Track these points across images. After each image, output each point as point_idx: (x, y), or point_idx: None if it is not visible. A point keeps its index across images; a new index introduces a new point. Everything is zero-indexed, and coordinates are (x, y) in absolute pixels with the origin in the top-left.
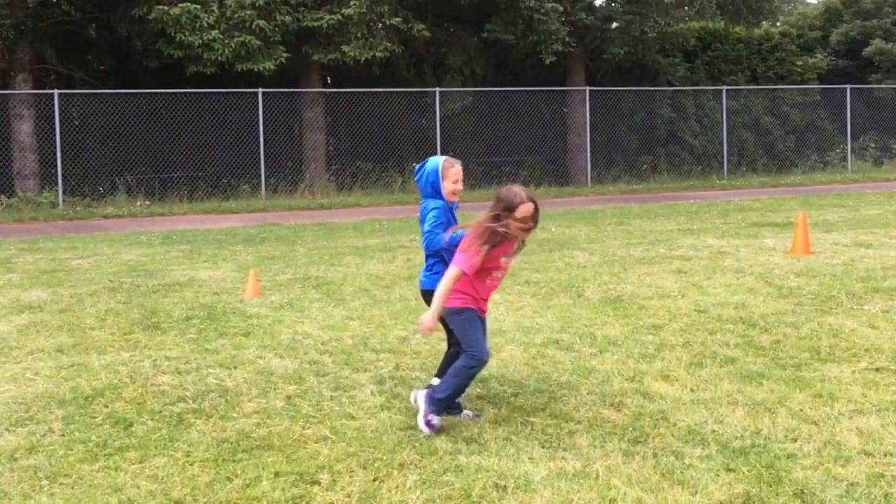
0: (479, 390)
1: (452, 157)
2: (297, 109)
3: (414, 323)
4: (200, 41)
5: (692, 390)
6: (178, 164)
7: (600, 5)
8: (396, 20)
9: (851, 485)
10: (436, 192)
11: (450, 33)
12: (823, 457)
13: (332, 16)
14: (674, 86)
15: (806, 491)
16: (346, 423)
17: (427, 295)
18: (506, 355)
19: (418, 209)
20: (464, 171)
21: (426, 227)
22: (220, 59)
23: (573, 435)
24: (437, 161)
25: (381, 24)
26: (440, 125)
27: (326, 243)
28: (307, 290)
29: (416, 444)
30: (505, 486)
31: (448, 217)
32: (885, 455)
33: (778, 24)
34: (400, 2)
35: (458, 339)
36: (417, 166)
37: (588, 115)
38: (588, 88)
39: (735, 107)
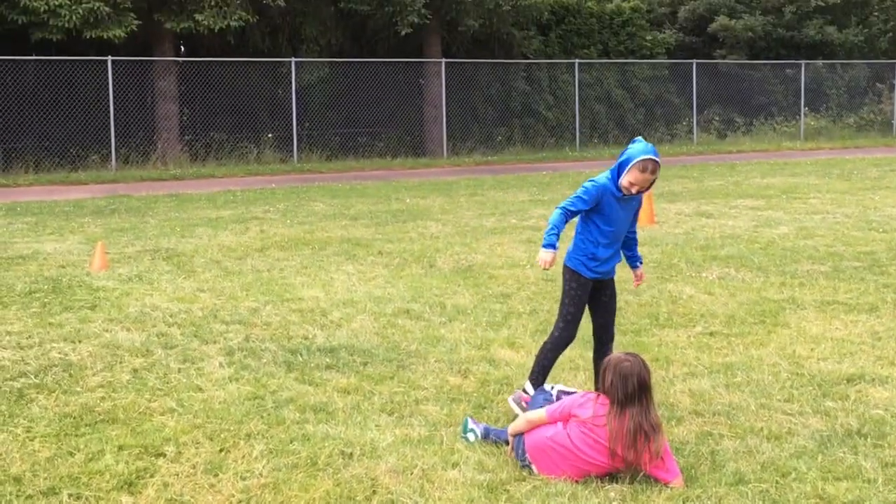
0: (327, 360)
1: (644, 162)
2: (149, 79)
3: None
4: (46, 7)
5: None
6: (23, 133)
7: None
8: None
9: (682, 443)
10: (615, 173)
11: (306, 3)
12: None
13: None
14: (528, 59)
15: None
16: (194, 395)
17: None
18: (356, 325)
19: (272, 180)
20: (320, 142)
21: (567, 199)
22: (67, 25)
23: (420, 402)
24: (639, 150)
25: None
26: (296, 96)
27: (178, 215)
28: (157, 263)
29: (264, 415)
30: (351, 454)
31: (601, 198)
32: (714, 415)
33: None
34: None
35: None
36: (633, 140)
37: (444, 87)
38: (444, 60)
39: (588, 80)
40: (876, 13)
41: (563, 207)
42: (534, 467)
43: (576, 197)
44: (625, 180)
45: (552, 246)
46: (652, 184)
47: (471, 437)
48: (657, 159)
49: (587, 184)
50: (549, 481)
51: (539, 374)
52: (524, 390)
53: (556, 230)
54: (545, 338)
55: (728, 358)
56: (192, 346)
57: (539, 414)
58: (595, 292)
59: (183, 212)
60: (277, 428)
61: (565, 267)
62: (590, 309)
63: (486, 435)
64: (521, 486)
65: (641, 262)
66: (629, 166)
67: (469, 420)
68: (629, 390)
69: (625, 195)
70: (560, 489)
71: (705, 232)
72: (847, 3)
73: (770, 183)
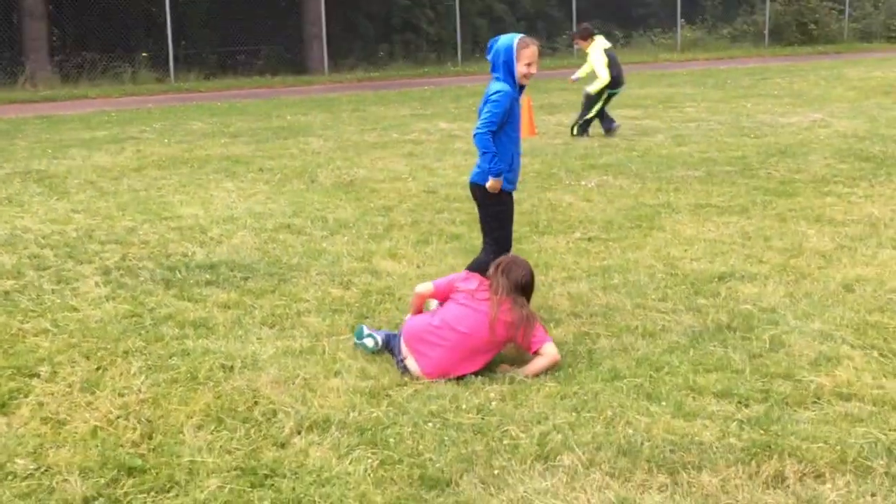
0: (207, 276)
1: (523, 40)
2: None
3: None
4: None
5: (418, 266)
6: None
7: None
8: None
9: (561, 343)
10: (507, 73)
11: None
12: None
13: None
14: None
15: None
16: (69, 315)
17: (473, 188)
18: (237, 241)
19: (149, 101)
20: (198, 61)
21: (479, 123)
22: None
23: (302, 314)
24: (510, 39)
25: None
26: (171, 14)
27: (50, 136)
28: (28, 185)
29: (142, 332)
30: (232, 367)
31: (510, 106)
32: (591, 315)
33: None
34: None
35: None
36: (490, 42)
37: (323, 3)
38: None
39: None
40: None
41: (485, 128)
42: (411, 364)
43: (490, 113)
44: (521, 68)
45: (501, 172)
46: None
47: (369, 342)
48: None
49: (494, 96)
50: (430, 384)
51: None
52: None
53: (495, 153)
54: (427, 248)
55: (605, 261)
56: (66, 267)
57: (426, 286)
58: None
59: (55, 133)
60: (156, 344)
61: (479, 187)
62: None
63: (387, 342)
64: (402, 391)
65: None
66: (515, 54)
67: (364, 327)
68: (519, 279)
69: (523, 88)
70: (441, 391)
71: (584, 142)
72: None
73: (648, 93)
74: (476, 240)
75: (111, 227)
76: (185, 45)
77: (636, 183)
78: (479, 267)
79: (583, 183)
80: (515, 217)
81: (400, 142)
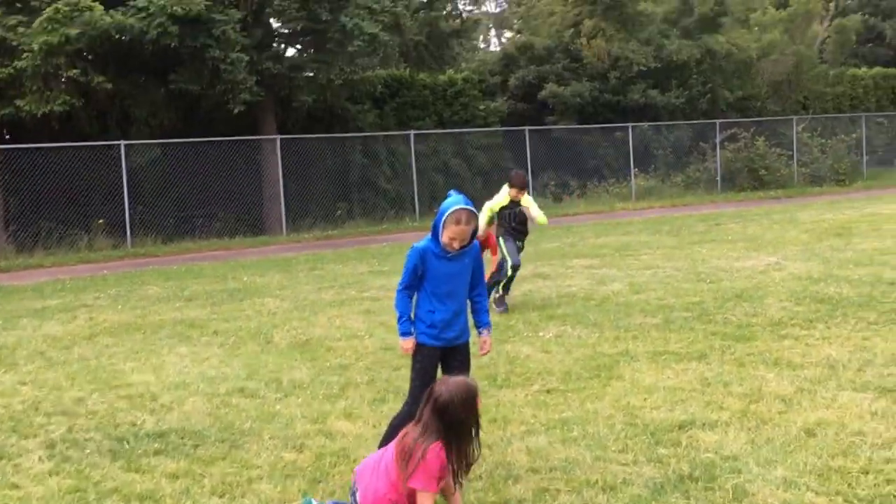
0: (156, 445)
1: (455, 214)
2: None
3: None
4: None
5: (374, 426)
6: None
7: (291, 55)
8: (74, 72)
9: (519, 501)
10: (434, 233)
11: (134, 85)
12: (494, 478)
13: (4, 69)
14: (364, 132)
15: None
16: (9, 493)
17: None
18: (188, 408)
19: (105, 267)
20: (154, 225)
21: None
22: None
23: (253, 481)
24: (450, 204)
25: (62, 77)
26: (128, 179)
27: (1, 307)
28: None
29: None
30: None
31: (421, 263)
32: (551, 470)
33: (461, 70)
34: (78, 53)
35: None
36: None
37: (280, 163)
38: (279, 137)
39: (425, 151)
40: (695, 76)
41: (399, 287)
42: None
43: (403, 271)
44: (444, 237)
45: (407, 333)
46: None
47: None
48: (469, 208)
49: (408, 252)
50: None
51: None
52: None
53: (404, 314)
54: (383, 407)
55: (564, 413)
56: (9, 443)
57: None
58: (445, 359)
59: (6, 304)
60: None
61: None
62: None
63: None
64: None
65: (488, 329)
66: (443, 223)
67: (312, 501)
68: (437, 400)
69: (450, 252)
70: None
71: (542, 293)
72: (667, 67)
73: (604, 242)
74: None
75: (59, 398)
76: (142, 210)
77: (594, 332)
78: (399, 420)
79: (541, 334)
80: (473, 371)
81: (357, 299)
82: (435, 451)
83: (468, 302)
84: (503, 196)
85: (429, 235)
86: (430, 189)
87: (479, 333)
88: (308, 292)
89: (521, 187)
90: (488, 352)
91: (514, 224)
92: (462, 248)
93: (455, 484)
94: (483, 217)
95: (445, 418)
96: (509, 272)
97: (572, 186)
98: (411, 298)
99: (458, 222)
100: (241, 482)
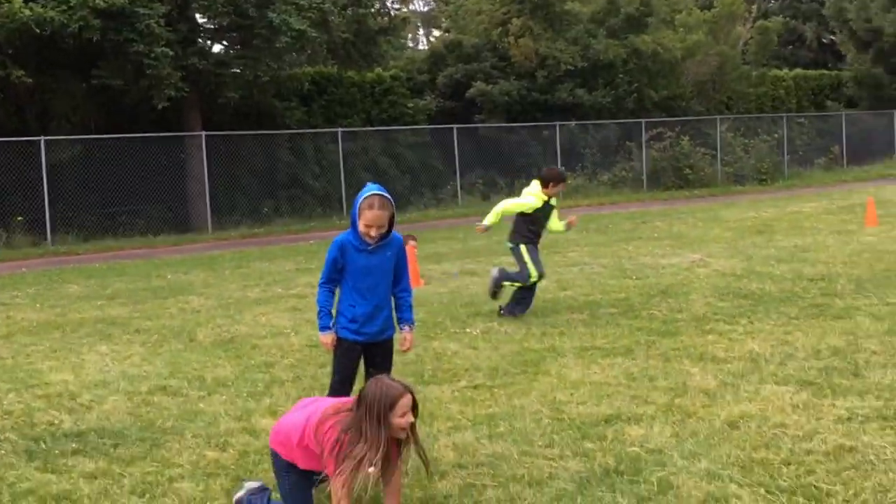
0: (74, 445)
1: (368, 200)
2: None
3: None
4: None
5: None
6: None
7: (217, 51)
8: None
9: (446, 497)
10: (353, 225)
11: (54, 79)
12: (421, 474)
13: None
14: (291, 129)
15: None
16: None
17: None
18: (108, 407)
19: (23, 265)
20: (76, 223)
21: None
22: None
23: (174, 480)
24: (362, 193)
25: None
26: (48, 176)
27: None
28: None
29: None
30: None
31: (340, 256)
32: (477, 466)
33: (389, 68)
34: None
35: None
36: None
37: (206, 160)
38: (204, 133)
39: (353, 149)
40: (621, 75)
41: (320, 281)
42: None
43: (324, 265)
44: (361, 226)
45: (326, 328)
46: (391, 222)
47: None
48: (381, 193)
49: (329, 248)
50: None
51: None
52: None
53: (323, 308)
54: None
55: (491, 409)
56: None
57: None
58: (367, 354)
59: None
60: None
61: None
62: (365, 371)
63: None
64: None
65: (411, 326)
66: (358, 211)
67: None
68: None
69: (369, 245)
70: None
71: (470, 290)
72: (594, 67)
73: None
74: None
75: None
76: (63, 208)
77: (521, 328)
78: None
79: (468, 330)
80: (399, 368)
81: (283, 297)
82: (332, 437)
83: (392, 298)
84: (535, 196)
85: (350, 229)
86: (358, 187)
87: (401, 330)
88: (233, 290)
89: (561, 181)
90: (409, 349)
91: (531, 227)
92: (381, 237)
93: (391, 471)
94: (492, 216)
95: (359, 411)
96: (533, 280)
97: (500, 185)
98: (333, 293)
99: (371, 207)
100: (161, 481)
